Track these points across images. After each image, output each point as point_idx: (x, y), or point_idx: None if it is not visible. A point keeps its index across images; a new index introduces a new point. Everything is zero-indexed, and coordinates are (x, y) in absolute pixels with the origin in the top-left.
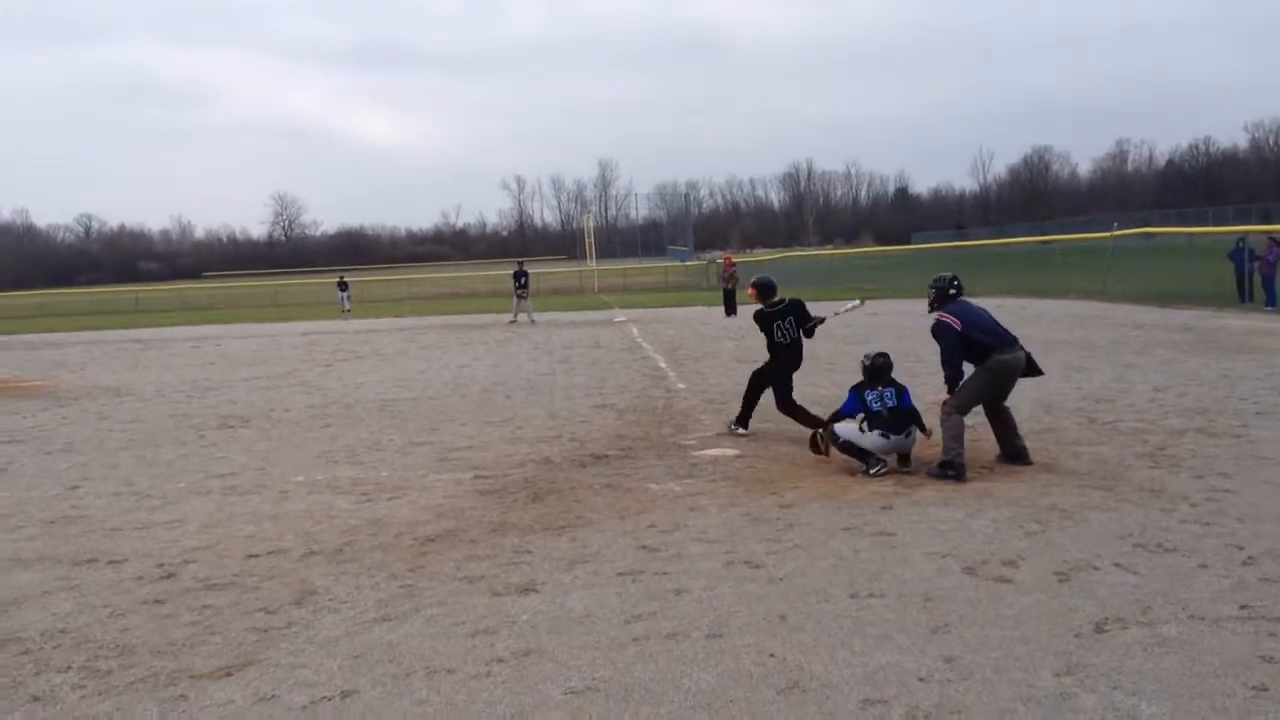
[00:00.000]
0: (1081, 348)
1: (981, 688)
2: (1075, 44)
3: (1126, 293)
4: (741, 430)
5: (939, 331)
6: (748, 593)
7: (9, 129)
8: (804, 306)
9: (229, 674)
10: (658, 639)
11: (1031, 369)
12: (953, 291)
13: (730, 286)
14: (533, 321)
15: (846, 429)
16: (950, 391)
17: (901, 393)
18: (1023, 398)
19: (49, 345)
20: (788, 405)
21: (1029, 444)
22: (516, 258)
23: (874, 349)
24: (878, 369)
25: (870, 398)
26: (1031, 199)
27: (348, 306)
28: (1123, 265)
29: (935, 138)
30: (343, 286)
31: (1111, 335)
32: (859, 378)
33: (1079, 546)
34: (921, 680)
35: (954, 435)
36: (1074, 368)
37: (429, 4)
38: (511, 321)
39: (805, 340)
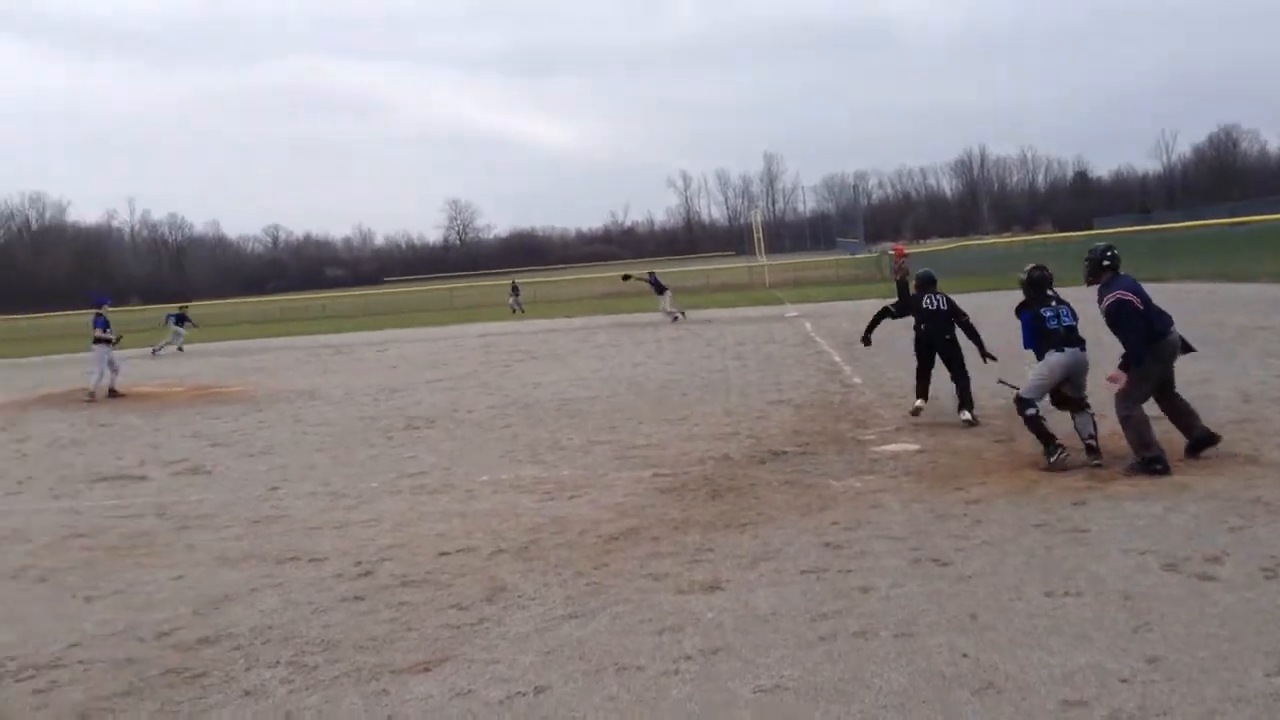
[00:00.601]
0: None
1: (1187, 688)
2: (1256, 17)
3: None
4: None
5: (1120, 313)
6: (936, 590)
7: (197, 145)
8: (955, 303)
9: (427, 669)
10: (845, 637)
11: (1186, 347)
12: (1106, 263)
13: (902, 278)
14: (683, 314)
15: (1030, 386)
16: (1124, 369)
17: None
18: (1220, 386)
19: (243, 352)
20: (921, 374)
21: (1227, 435)
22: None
23: (1030, 264)
24: (1035, 281)
25: (1048, 314)
26: (1220, 178)
27: (521, 308)
28: None
29: (1113, 119)
30: (515, 290)
31: None
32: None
33: None
34: (1123, 681)
35: (1143, 427)
36: (1274, 355)
37: (590, 6)
38: (674, 318)
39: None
